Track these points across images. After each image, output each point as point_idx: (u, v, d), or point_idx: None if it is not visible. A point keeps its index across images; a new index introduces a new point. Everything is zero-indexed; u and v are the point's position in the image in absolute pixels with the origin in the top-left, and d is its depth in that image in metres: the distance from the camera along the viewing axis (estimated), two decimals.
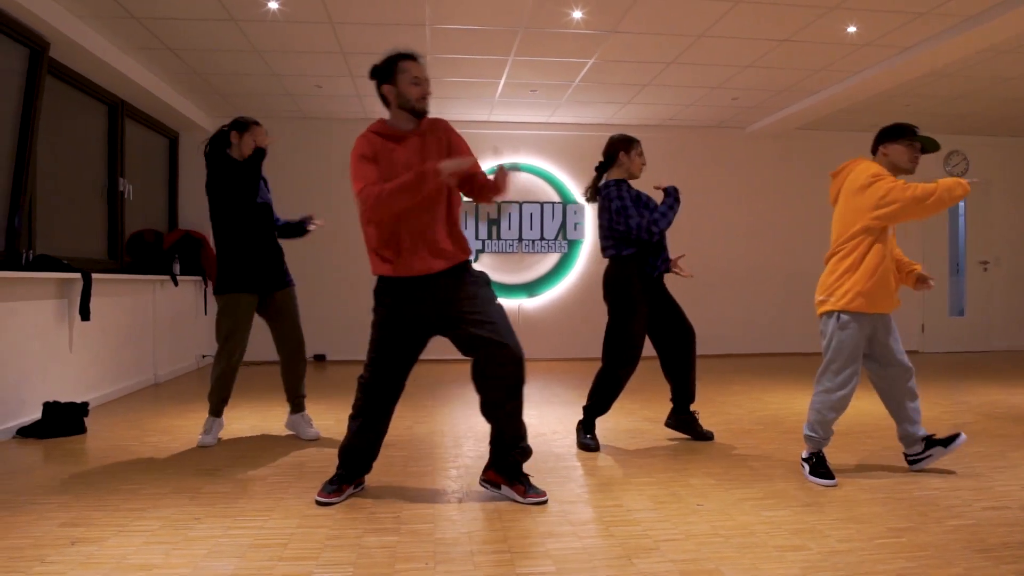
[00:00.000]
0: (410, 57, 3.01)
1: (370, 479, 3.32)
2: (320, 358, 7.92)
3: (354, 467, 3.13)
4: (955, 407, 5.17)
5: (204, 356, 7.45)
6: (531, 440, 4.29)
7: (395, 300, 2.99)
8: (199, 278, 7.33)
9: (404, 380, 3.11)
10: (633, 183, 4.12)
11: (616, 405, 5.24)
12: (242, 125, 4.00)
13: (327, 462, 3.68)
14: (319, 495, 3.05)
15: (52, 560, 2.43)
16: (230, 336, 4.00)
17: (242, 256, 4.01)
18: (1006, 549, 2.52)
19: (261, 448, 4.03)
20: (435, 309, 2.99)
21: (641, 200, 4.01)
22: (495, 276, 8.17)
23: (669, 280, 4.29)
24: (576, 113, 7.74)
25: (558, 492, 3.20)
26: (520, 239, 8.19)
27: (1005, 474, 3.44)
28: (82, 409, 4.38)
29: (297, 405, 4.26)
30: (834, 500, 3.06)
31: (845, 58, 5.86)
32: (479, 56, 5.87)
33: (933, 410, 5.06)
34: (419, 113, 3.03)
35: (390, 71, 2.99)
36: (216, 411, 4.15)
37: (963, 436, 3.42)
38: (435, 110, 7.52)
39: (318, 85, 6.62)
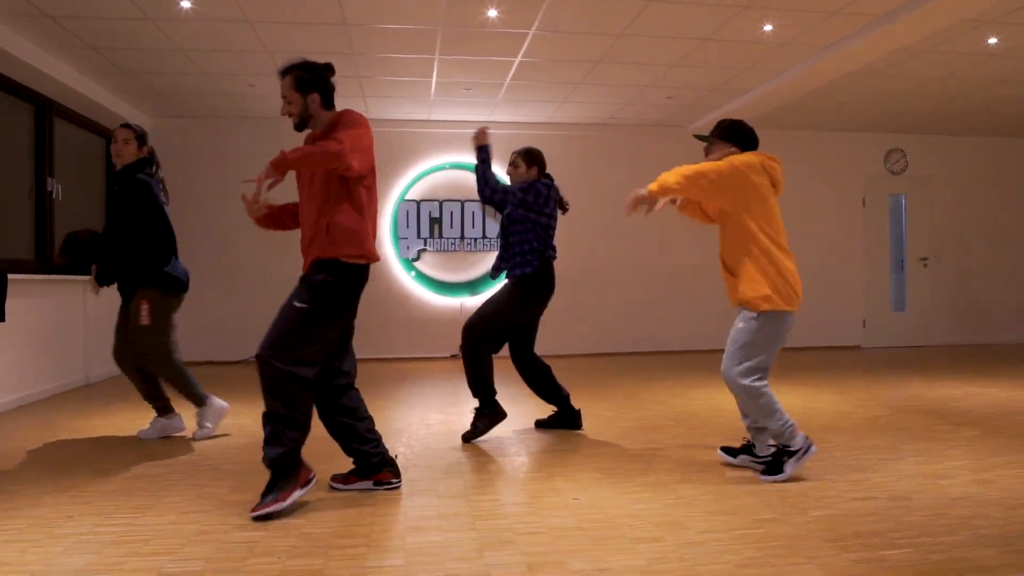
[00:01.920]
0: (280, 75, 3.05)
1: (264, 476, 3.34)
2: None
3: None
4: (870, 400, 5.26)
5: None
6: (440, 436, 4.35)
7: None
8: None
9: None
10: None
11: (532, 399, 5.30)
12: None
13: (222, 459, 3.70)
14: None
15: None
16: None
17: None
18: (856, 539, 2.58)
19: (168, 446, 4.03)
20: None
21: None
22: (438, 274, 8.19)
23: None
24: (515, 112, 7.77)
25: (442, 487, 3.23)
26: (462, 237, 8.21)
27: (888, 466, 3.52)
28: None
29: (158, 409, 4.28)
30: (709, 493, 3.11)
31: (768, 56, 5.93)
32: (405, 55, 5.89)
33: (846, 404, 5.14)
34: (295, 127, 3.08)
35: None
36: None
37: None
38: (374, 110, 7.59)
39: (251, 84, 6.61)
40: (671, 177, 3.21)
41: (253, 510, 2.82)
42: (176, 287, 4.08)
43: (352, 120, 2.95)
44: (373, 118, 8.01)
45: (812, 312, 8.86)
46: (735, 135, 3.38)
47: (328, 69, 3.09)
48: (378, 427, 4.46)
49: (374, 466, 3.18)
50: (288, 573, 2.30)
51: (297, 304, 2.89)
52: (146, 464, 3.65)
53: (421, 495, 3.12)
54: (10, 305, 4.99)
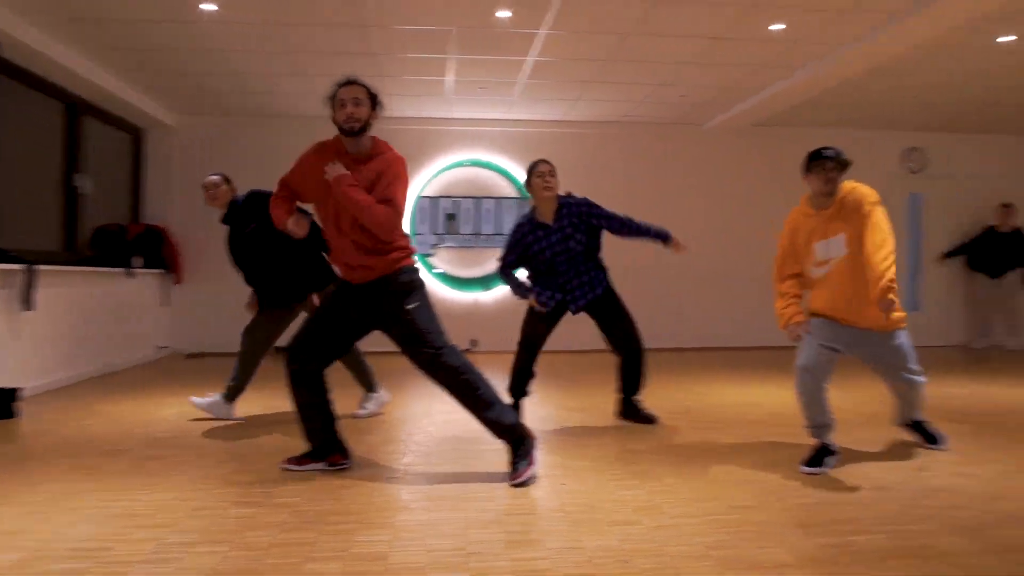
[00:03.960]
0: (344, 84, 3.23)
1: (271, 460, 3.49)
2: None
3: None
4: (872, 398, 5.26)
5: (162, 347, 7.67)
6: (440, 425, 4.46)
7: None
8: (162, 270, 7.57)
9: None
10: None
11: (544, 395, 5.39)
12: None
13: (227, 444, 3.87)
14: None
15: None
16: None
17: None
18: (830, 525, 2.65)
19: (179, 431, 4.20)
20: None
21: (518, 239, 4.32)
22: (452, 270, 8.33)
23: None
24: (532, 110, 7.87)
25: (436, 471, 3.36)
26: (477, 234, 8.34)
27: (876, 458, 3.56)
28: (10, 395, 4.55)
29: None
30: (694, 482, 3.18)
31: (783, 54, 5.95)
32: (422, 55, 6.03)
33: (846, 401, 5.15)
34: (346, 132, 3.20)
35: (331, 102, 3.24)
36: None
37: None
38: (394, 108, 7.74)
39: (274, 83, 6.80)
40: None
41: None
42: None
43: (403, 174, 3.33)
44: (395, 116, 8.16)
45: None
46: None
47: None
48: (383, 416, 4.65)
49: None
50: (279, 545, 2.44)
51: None
52: (157, 447, 3.82)
53: (415, 478, 3.25)
54: (39, 295, 5.22)
